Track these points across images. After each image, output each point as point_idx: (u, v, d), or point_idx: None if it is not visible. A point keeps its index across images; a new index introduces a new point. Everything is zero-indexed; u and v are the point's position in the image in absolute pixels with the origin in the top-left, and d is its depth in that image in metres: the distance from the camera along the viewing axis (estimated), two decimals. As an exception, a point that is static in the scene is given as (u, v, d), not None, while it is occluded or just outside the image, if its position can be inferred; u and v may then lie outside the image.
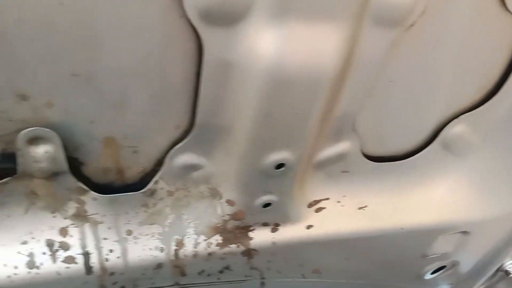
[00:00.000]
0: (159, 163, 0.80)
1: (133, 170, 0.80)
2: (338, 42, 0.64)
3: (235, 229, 0.90)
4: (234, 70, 0.65)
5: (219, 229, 0.89)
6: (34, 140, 0.67)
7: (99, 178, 0.79)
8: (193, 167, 0.81)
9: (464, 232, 1.06)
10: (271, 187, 0.84)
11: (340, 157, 0.89)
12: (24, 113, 0.66)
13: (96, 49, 0.61)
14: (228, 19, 0.59)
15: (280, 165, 0.79)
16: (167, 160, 0.78)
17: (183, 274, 0.91)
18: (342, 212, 0.98)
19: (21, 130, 0.66)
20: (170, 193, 0.84)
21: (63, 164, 0.71)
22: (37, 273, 0.79)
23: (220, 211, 0.88)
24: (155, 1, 0.58)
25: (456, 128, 0.90)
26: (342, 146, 0.88)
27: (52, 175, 0.72)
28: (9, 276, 0.78)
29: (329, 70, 0.67)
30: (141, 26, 0.60)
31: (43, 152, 0.68)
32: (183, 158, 0.79)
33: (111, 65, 0.63)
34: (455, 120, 0.88)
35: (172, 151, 0.77)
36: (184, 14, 0.58)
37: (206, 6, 0.57)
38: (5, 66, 0.60)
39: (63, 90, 0.65)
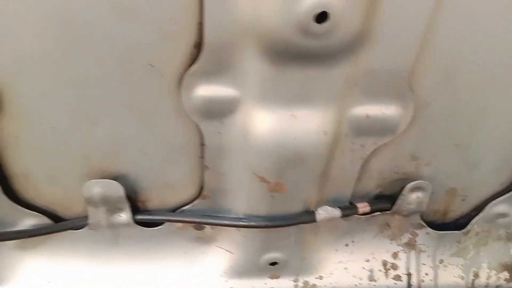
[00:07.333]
0: (474, 209, 1.01)
1: (454, 213, 1.02)
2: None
3: (522, 269, 1.08)
4: None
5: (507, 267, 1.07)
6: (414, 189, 0.91)
7: (427, 217, 1.02)
8: (502, 215, 1.00)
9: None
10: None
11: None
12: (408, 169, 0.91)
13: (476, 126, 0.84)
14: None
15: None
16: (487, 208, 0.98)
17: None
18: None
19: (400, 180, 0.92)
20: (477, 233, 1.04)
21: (423, 206, 0.95)
22: (374, 285, 1.04)
23: (513, 251, 1.05)
24: None
25: None
26: None
27: (409, 214, 0.97)
28: (355, 285, 1.04)
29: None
30: None
31: (415, 197, 0.93)
32: (500, 207, 0.99)
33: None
34: None
35: (494, 201, 0.97)
36: None
37: None
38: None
39: (443, 155, 0.88)
